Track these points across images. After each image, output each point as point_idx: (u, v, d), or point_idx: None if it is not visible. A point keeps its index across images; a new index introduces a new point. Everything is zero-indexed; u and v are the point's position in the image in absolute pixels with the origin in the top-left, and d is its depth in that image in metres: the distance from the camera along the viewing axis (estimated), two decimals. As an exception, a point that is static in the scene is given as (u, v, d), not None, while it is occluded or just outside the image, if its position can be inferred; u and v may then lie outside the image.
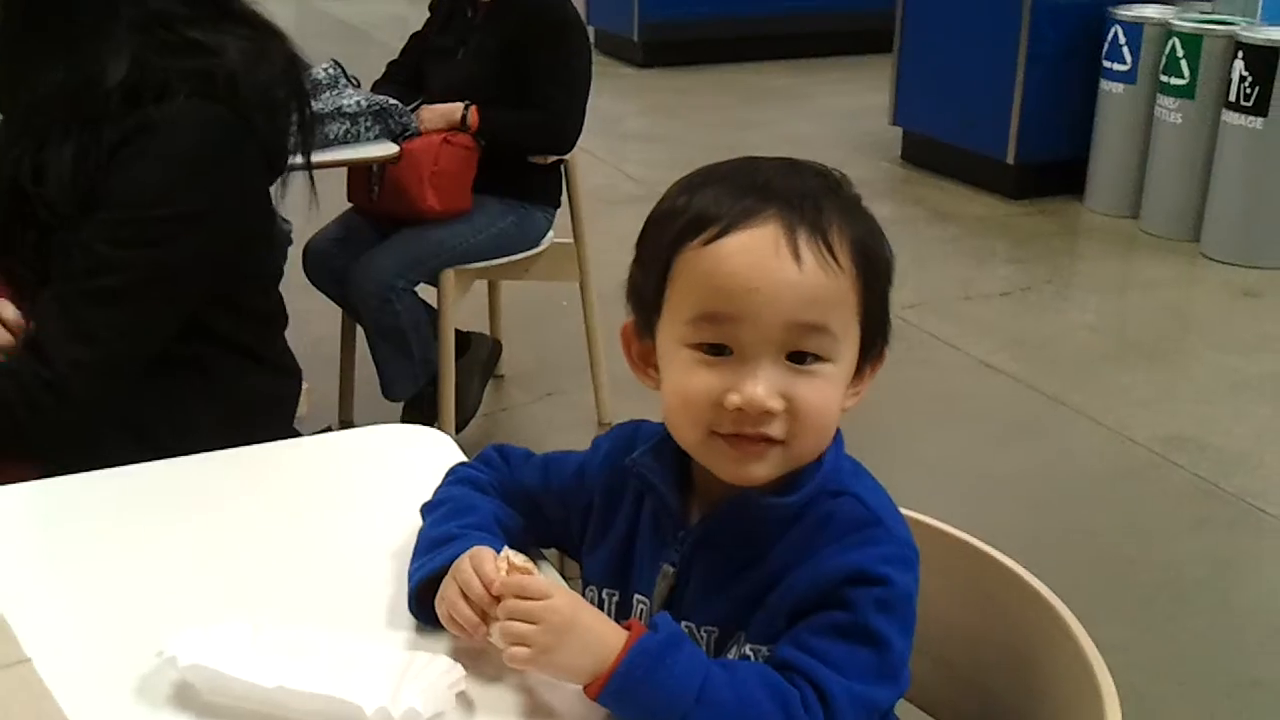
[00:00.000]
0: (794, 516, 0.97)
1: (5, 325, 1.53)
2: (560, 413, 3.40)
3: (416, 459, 1.36)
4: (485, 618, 0.96)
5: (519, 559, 0.98)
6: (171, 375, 1.58)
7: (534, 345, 3.70)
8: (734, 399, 0.92)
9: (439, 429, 2.91)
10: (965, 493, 2.94)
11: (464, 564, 0.99)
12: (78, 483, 1.30)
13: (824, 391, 0.94)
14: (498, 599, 0.94)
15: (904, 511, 1.21)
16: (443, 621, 1.00)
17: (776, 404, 0.92)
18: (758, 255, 0.92)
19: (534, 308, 3.78)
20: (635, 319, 1.02)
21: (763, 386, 0.92)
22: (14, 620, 1.05)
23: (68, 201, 1.49)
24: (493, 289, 3.51)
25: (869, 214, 1.00)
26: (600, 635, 0.91)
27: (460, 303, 3.00)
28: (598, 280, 3.21)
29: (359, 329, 3.07)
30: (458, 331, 3.03)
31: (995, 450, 3.23)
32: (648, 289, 0.98)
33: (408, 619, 1.05)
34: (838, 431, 1.00)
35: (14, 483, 1.29)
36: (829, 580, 0.93)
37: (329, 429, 3.03)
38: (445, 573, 1.01)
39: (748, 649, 0.97)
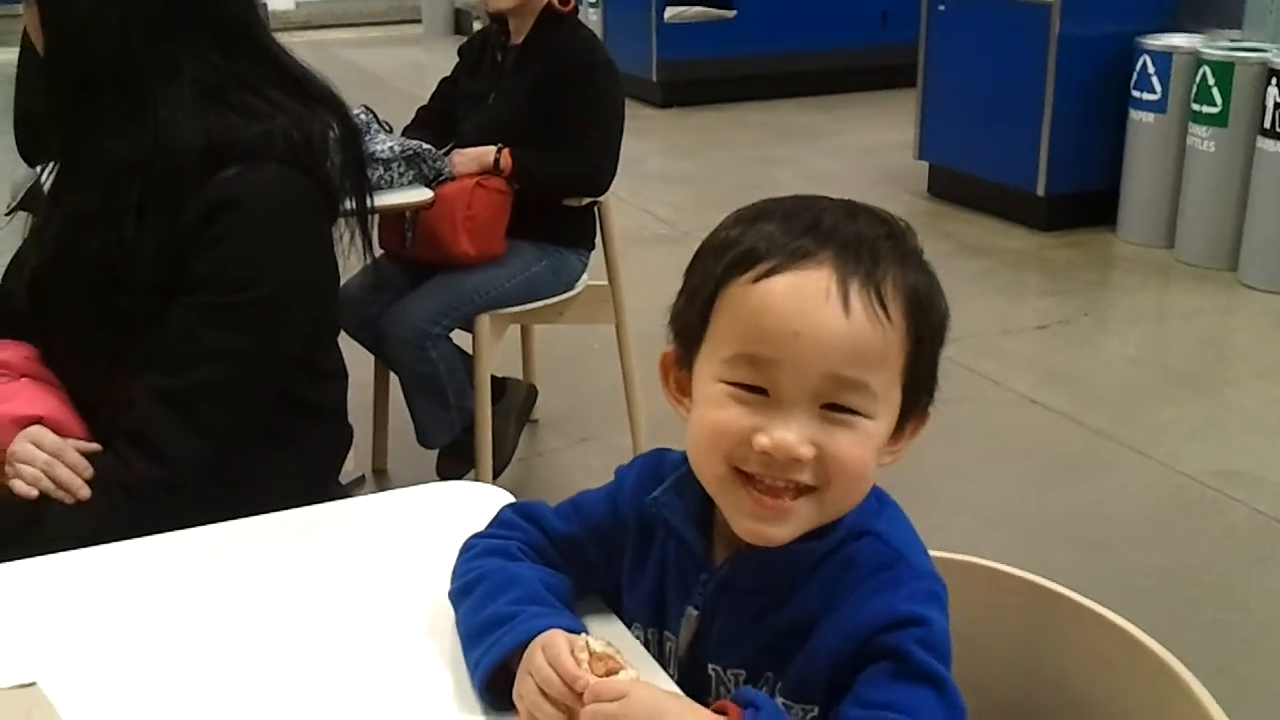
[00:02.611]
0: (818, 561, 0.95)
1: (75, 468, 1.43)
2: (596, 457, 3.33)
3: (471, 519, 1.29)
4: (571, 713, 0.89)
5: (598, 645, 0.90)
6: (256, 444, 1.52)
7: (568, 389, 3.64)
8: (763, 440, 0.88)
9: (476, 475, 2.89)
10: (1018, 534, 2.86)
11: (538, 658, 0.91)
12: (117, 550, 1.24)
13: (858, 445, 0.90)
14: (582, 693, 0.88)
15: (973, 560, 1.17)
16: None
17: (807, 451, 0.88)
18: (806, 299, 0.88)
19: (567, 351, 3.73)
20: (676, 348, 0.98)
21: (794, 433, 0.87)
22: (52, 690, 1.00)
23: (151, 284, 1.43)
24: (526, 333, 3.46)
25: (929, 267, 0.95)
26: None
27: (495, 348, 2.95)
28: (631, 322, 3.16)
29: (393, 375, 3.02)
30: (493, 377, 2.97)
31: (1045, 488, 3.15)
32: (691, 319, 0.94)
33: (477, 705, 0.98)
34: None
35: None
36: (866, 630, 0.90)
37: (362, 478, 2.99)
38: (511, 658, 0.95)
39: (780, 701, 0.94)
